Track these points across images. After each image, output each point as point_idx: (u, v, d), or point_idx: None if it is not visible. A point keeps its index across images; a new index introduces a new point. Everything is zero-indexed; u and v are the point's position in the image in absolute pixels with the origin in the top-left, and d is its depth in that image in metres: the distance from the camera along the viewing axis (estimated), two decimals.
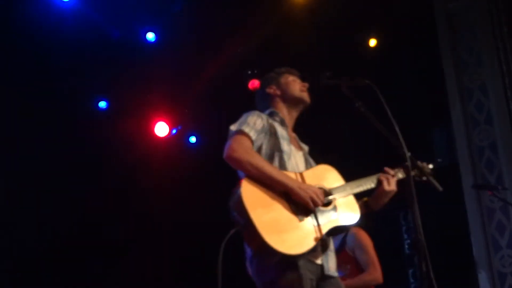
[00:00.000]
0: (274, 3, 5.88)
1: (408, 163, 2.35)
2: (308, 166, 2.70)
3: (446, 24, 6.06)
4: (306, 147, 2.87)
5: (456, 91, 5.92)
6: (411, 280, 6.39)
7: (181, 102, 6.32)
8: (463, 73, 5.93)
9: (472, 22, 5.94)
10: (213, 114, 6.14)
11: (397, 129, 2.34)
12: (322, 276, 2.47)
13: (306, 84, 2.89)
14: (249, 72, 6.25)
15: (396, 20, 6.05)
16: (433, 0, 6.07)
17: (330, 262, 2.51)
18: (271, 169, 2.44)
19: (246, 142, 2.52)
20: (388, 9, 5.91)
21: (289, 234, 2.34)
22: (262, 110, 2.83)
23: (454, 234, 5.75)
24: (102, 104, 6.12)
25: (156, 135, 6.27)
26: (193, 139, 6.63)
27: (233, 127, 2.60)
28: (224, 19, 5.71)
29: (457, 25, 6.03)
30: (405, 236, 6.50)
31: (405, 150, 2.36)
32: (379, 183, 2.66)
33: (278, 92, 2.86)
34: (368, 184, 2.65)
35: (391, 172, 2.69)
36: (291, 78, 2.89)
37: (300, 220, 2.40)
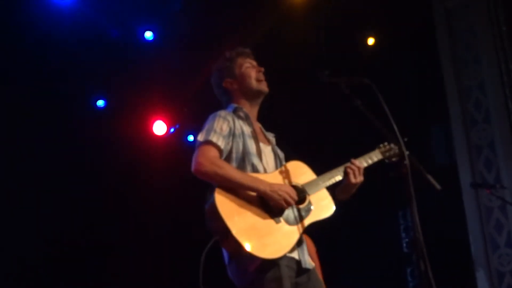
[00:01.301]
0: (274, 1, 5.88)
1: (407, 162, 2.35)
2: (277, 159, 2.69)
3: (445, 22, 6.06)
4: (272, 138, 2.83)
5: (454, 89, 5.92)
6: (409, 279, 6.39)
7: (179, 100, 6.31)
8: (461, 71, 5.94)
9: (471, 20, 5.94)
10: (211, 112, 6.11)
11: (395, 127, 2.34)
12: (300, 270, 2.47)
13: (262, 69, 2.81)
14: None
15: (395, 19, 6.05)
16: None
17: (305, 255, 2.53)
18: (240, 177, 2.42)
19: (212, 152, 2.48)
20: (387, 8, 5.91)
21: (269, 238, 2.35)
22: (224, 105, 2.80)
23: (453, 233, 5.75)
24: (100, 103, 6.11)
25: (154, 134, 6.27)
26: (191, 138, 6.62)
27: (200, 137, 2.54)
28: (223, 18, 5.70)
29: (456, 23, 6.03)
30: (404, 235, 6.50)
31: (404, 148, 2.37)
32: (346, 174, 2.66)
33: (236, 86, 2.77)
34: (337, 176, 2.66)
35: (356, 163, 2.69)
36: (245, 64, 2.78)
37: (277, 222, 2.41)
